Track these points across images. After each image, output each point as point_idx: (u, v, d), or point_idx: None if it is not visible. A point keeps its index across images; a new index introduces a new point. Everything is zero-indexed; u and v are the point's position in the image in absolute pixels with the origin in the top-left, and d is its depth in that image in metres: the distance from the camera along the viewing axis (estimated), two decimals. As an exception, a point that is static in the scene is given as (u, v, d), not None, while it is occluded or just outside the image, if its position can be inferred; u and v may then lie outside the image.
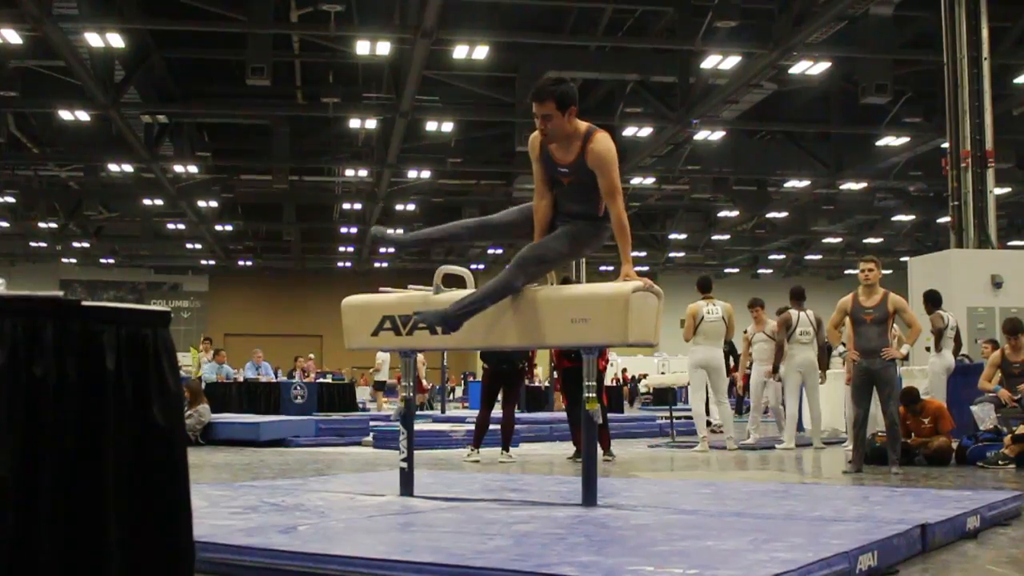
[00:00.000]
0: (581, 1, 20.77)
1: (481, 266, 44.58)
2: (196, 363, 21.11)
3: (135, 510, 2.47)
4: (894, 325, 10.07)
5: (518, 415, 13.50)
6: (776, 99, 25.37)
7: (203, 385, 17.21)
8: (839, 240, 44.30)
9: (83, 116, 24.71)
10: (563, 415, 13.21)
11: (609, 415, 12.44)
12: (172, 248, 46.79)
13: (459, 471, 9.32)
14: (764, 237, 43.61)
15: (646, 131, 25.82)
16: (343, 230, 41.88)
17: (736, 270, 51.23)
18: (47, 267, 48.52)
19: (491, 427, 11.40)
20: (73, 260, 49.07)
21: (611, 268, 48.18)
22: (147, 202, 35.96)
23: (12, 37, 19.27)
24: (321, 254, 48.58)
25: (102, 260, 48.96)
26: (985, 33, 16.27)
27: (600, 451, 10.26)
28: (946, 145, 17.01)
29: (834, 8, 17.64)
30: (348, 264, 49.75)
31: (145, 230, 41.20)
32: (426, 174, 31.17)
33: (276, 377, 22.70)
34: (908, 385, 11.52)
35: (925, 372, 13.25)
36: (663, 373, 33.53)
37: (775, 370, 13.23)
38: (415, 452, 6.38)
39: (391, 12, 20.18)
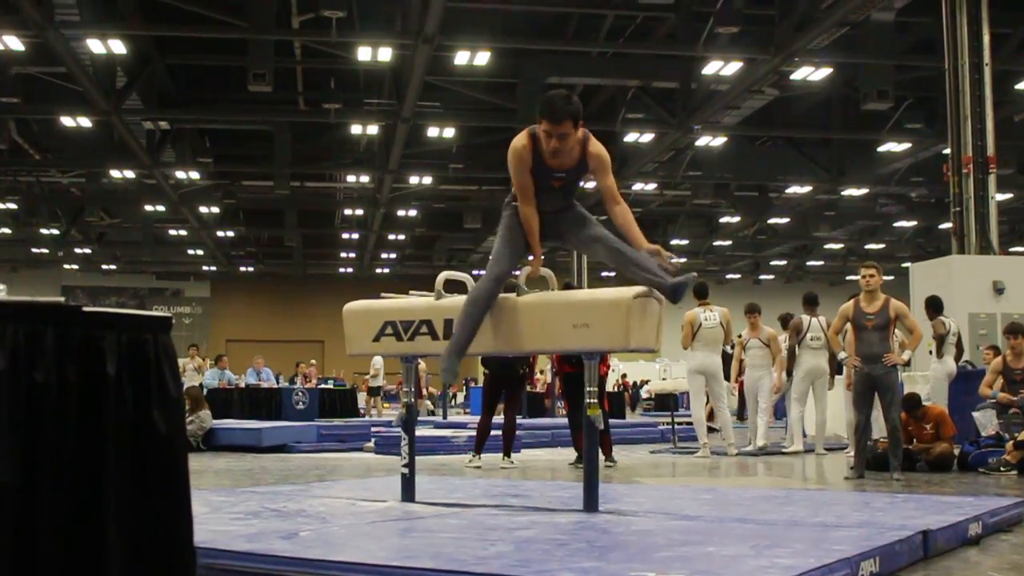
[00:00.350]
0: (583, 7, 20.79)
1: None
2: (197, 369, 21.08)
3: (136, 516, 2.46)
4: (895, 331, 10.06)
5: (519, 421, 13.49)
6: (777, 105, 25.38)
7: (204, 391, 17.21)
8: (840, 246, 44.29)
9: (85, 122, 24.74)
10: (564, 421, 13.21)
11: (611, 421, 12.43)
12: (174, 254, 46.82)
13: (460, 477, 9.31)
14: (765, 243, 43.60)
15: (647, 137, 25.83)
16: (345, 236, 41.92)
17: (738, 276, 51.25)
18: (49, 273, 48.54)
19: (492, 433, 11.39)
20: (75, 266, 49.12)
21: (613, 273, 48.24)
22: (149, 208, 35.96)
23: (14, 43, 19.29)
24: (323, 260, 48.60)
25: (104, 266, 49.00)
26: (986, 39, 16.26)
27: (601, 457, 10.25)
28: (947, 151, 17.00)
29: (835, 14, 17.65)
30: (350, 270, 49.78)
31: (147, 236, 41.23)
32: (427, 180, 31.20)
33: (278, 383, 22.70)
34: (909, 391, 11.51)
35: (927, 378, 13.23)
36: (665, 379, 33.54)
37: (788, 374, 13.24)
38: (416, 458, 6.38)
39: (392, 18, 20.22)
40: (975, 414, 11.30)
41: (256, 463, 11.73)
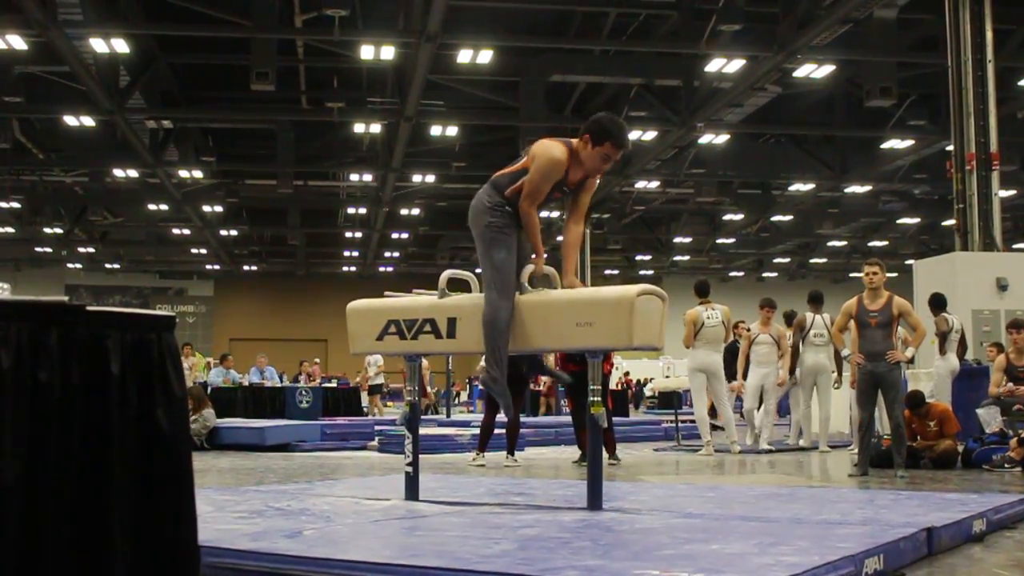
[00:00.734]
0: (585, 5, 20.77)
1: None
2: (202, 368, 21.08)
3: (140, 514, 2.47)
4: (899, 328, 10.05)
5: (523, 419, 13.49)
6: (780, 102, 25.37)
7: (208, 390, 17.21)
8: (844, 243, 44.27)
9: (88, 121, 24.75)
10: (568, 419, 13.20)
11: (614, 419, 12.42)
12: (177, 253, 46.85)
13: (464, 475, 9.31)
14: (769, 240, 43.57)
15: (650, 135, 25.80)
16: (348, 235, 41.92)
17: (741, 273, 51.23)
18: (52, 272, 48.58)
19: (496, 431, 11.39)
20: (78, 265, 49.15)
21: (616, 272, 48.26)
22: (152, 207, 35.98)
23: (17, 43, 19.29)
24: (326, 259, 48.62)
25: (107, 265, 49.04)
26: (989, 35, 16.23)
27: (605, 455, 10.24)
28: (951, 148, 16.98)
29: (838, 11, 17.63)
30: (353, 269, 49.78)
31: (150, 235, 41.31)
32: (431, 178, 31.20)
33: (281, 382, 22.70)
34: (913, 388, 11.50)
35: (930, 375, 13.23)
36: (668, 377, 33.52)
37: (791, 372, 13.24)
38: (420, 456, 6.38)
39: (395, 17, 20.20)
40: (979, 411, 11.30)
41: (260, 462, 11.74)
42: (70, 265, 48.85)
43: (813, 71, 21.35)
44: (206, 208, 35.70)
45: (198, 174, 30.57)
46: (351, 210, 37.77)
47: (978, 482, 8.90)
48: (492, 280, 5.81)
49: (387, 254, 46.46)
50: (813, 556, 3.89)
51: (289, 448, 13.84)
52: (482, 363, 5.97)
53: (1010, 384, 11.00)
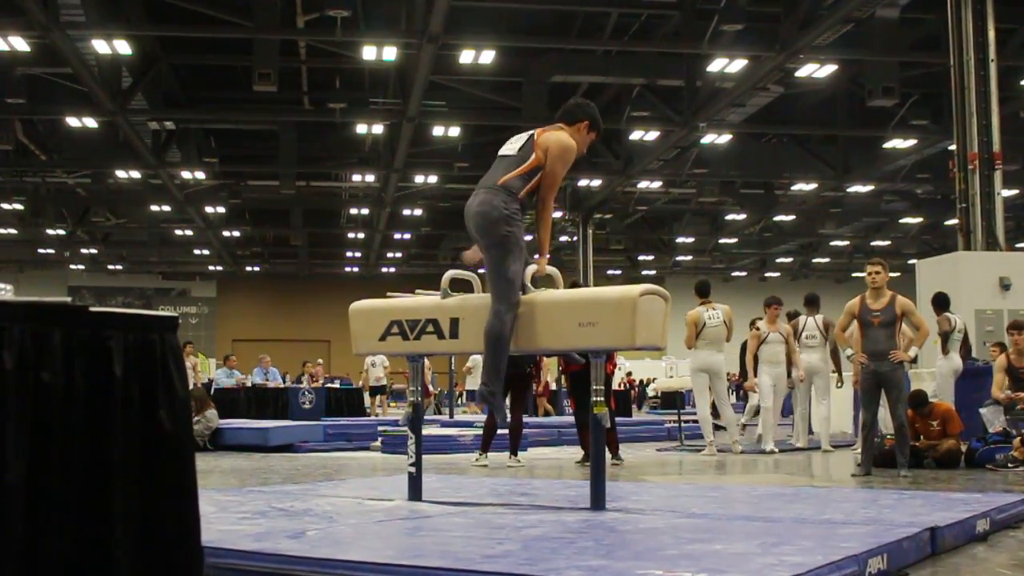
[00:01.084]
0: (587, 5, 20.77)
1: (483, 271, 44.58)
2: (205, 369, 21.10)
3: (143, 515, 2.47)
4: (902, 327, 10.05)
5: (526, 419, 13.48)
6: (783, 102, 25.34)
7: (212, 391, 17.23)
8: (846, 243, 44.27)
9: (90, 123, 24.77)
10: (571, 419, 13.20)
11: (617, 419, 12.41)
12: (180, 254, 46.89)
13: (467, 475, 9.31)
14: (771, 240, 43.59)
15: (653, 135, 25.83)
16: (350, 235, 41.94)
17: (744, 273, 51.23)
18: (55, 273, 48.62)
19: (499, 431, 11.39)
20: (81, 266, 49.20)
21: (618, 272, 48.25)
22: (155, 208, 36.02)
23: (20, 44, 19.29)
24: (328, 259, 48.64)
25: (110, 266, 49.08)
26: (992, 35, 16.23)
27: (608, 455, 10.24)
28: (953, 147, 16.97)
29: (840, 11, 17.62)
30: (355, 269, 49.81)
31: (153, 236, 41.32)
32: (433, 179, 31.22)
33: (284, 383, 22.71)
34: (916, 388, 11.49)
35: (933, 374, 13.21)
36: (671, 377, 33.51)
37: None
38: (423, 457, 6.38)
39: (397, 17, 20.21)
40: (982, 410, 11.28)
41: (263, 462, 11.74)
42: (73, 266, 48.89)
43: (815, 71, 21.35)
44: (208, 209, 35.71)
45: (200, 175, 30.59)
46: (353, 211, 37.80)
47: (981, 482, 8.89)
48: (504, 293, 5.76)
49: (389, 255, 46.48)
50: (816, 556, 3.88)
51: (292, 449, 13.84)
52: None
53: (1008, 391, 10.99)
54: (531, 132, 6.08)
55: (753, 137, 29.45)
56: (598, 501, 5.65)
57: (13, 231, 39.70)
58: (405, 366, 6.82)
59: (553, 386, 23.96)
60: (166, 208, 35.60)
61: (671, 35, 21.57)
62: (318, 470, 10.60)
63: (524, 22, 21.78)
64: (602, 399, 5.69)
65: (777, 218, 38.65)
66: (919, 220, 38.47)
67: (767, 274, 50.99)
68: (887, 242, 42.59)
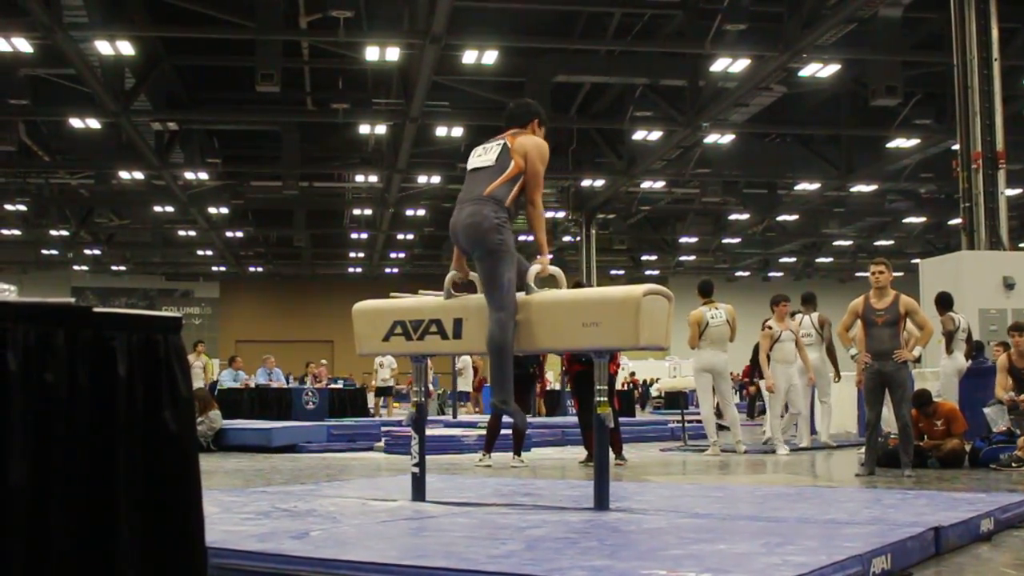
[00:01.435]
0: (590, 5, 20.77)
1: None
2: (209, 369, 21.11)
3: (147, 516, 2.47)
4: (905, 327, 10.04)
5: (529, 419, 13.48)
6: (786, 102, 25.34)
7: (216, 391, 17.22)
8: (850, 243, 44.24)
9: (94, 124, 24.78)
10: (575, 419, 13.20)
11: (621, 419, 12.41)
12: (183, 255, 46.93)
13: (471, 476, 9.31)
14: (774, 240, 43.56)
15: (656, 135, 25.83)
16: (353, 236, 41.96)
17: (747, 273, 51.21)
18: (59, 274, 48.65)
19: (502, 432, 11.39)
20: (84, 267, 49.23)
21: (622, 272, 48.24)
22: (158, 209, 36.05)
23: (23, 46, 19.31)
24: (331, 260, 48.66)
25: (113, 267, 49.11)
26: (995, 34, 16.21)
27: (612, 455, 10.24)
28: (956, 147, 16.96)
29: (843, 10, 17.62)
30: (359, 269, 49.82)
31: (156, 237, 41.34)
32: (436, 179, 31.22)
33: (287, 383, 22.71)
34: (920, 387, 11.48)
35: (937, 374, 13.21)
36: (674, 377, 33.49)
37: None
38: (427, 457, 6.38)
39: (400, 18, 20.22)
40: (986, 410, 11.27)
41: (266, 463, 11.75)
42: (76, 267, 48.93)
43: (818, 70, 21.35)
44: (212, 210, 35.73)
45: (203, 176, 30.63)
46: (357, 211, 37.81)
47: (985, 481, 8.88)
48: (502, 301, 5.79)
49: (393, 255, 46.51)
50: (820, 556, 3.88)
51: (295, 449, 13.85)
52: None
53: (1011, 393, 10.98)
54: (500, 142, 6.11)
55: (756, 137, 29.44)
56: (602, 501, 5.65)
57: (17, 232, 39.74)
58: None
59: (557, 386, 24.00)
60: (169, 209, 35.63)
61: (674, 35, 21.56)
62: (321, 471, 10.61)
63: (527, 22, 21.79)
64: (605, 399, 5.69)
65: (780, 218, 38.63)
66: (922, 220, 38.45)
67: (770, 274, 50.98)
68: (891, 242, 42.56)
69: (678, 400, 22.97)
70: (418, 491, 6.22)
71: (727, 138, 27.00)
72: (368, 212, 37.42)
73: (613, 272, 47.93)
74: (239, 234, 41.42)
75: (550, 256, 6.11)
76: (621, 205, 36.53)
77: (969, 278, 15.59)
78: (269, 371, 21.20)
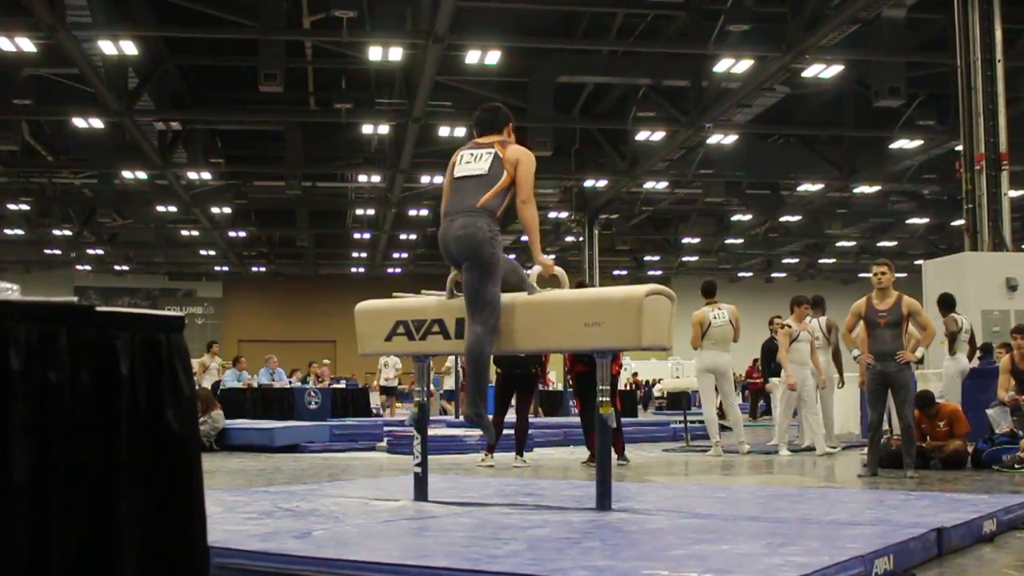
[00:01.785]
0: (593, 6, 20.78)
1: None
2: (202, 370, 21.11)
3: (149, 515, 2.47)
4: (909, 328, 10.03)
5: (532, 419, 13.49)
6: (789, 102, 25.34)
7: (219, 391, 17.22)
8: (853, 244, 44.22)
9: (97, 123, 24.79)
10: (577, 419, 13.19)
11: (623, 419, 12.41)
12: (186, 255, 46.95)
13: (473, 476, 9.31)
14: (777, 241, 43.54)
15: (659, 135, 25.81)
16: (356, 236, 41.97)
17: (750, 274, 51.19)
18: (62, 274, 48.67)
19: (505, 432, 11.39)
20: (87, 267, 49.26)
21: (624, 272, 48.24)
22: (161, 209, 36.07)
23: (26, 45, 19.32)
24: (334, 260, 48.68)
25: (116, 267, 49.13)
26: (999, 35, 16.20)
27: (614, 455, 10.24)
28: (960, 148, 16.95)
29: (847, 11, 17.61)
30: (361, 269, 49.83)
31: (159, 237, 41.35)
32: (439, 179, 31.16)
33: (290, 383, 22.72)
34: (923, 388, 11.48)
35: (939, 375, 13.20)
36: (677, 377, 33.51)
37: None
38: (429, 457, 6.38)
39: (403, 18, 20.23)
40: (989, 411, 11.27)
41: (269, 463, 11.75)
42: (79, 267, 48.95)
43: (822, 71, 21.32)
44: (215, 209, 35.76)
45: (207, 176, 30.64)
46: (359, 211, 37.82)
47: (988, 482, 8.87)
48: (483, 314, 5.84)
49: (395, 255, 46.51)
50: (823, 556, 3.88)
51: (298, 449, 13.85)
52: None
53: (1013, 394, 10.98)
54: (491, 151, 6.07)
55: (759, 137, 29.43)
56: (604, 501, 5.65)
57: (20, 231, 39.76)
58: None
59: (559, 386, 24.00)
60: (172, 209, 35.65)
61: (677, 35, 21.57)
62: (324, 470, 10.61)
63: (530, 22, 21.79)
64: (608, 399, 5.69)
65: (783, 218, 38.61)
66: (925, 221, 38.42)
67: (773, 275, 50.97)
68: (893, 243, 42.54)
69: (680, 400, 22.98)
70: (420, 491, 6.22)
71: (730, 139, 26.99)
72: (371, 212, 37.43)
73: (616, 272, 47.92)
74: (242, 234, 41.44)
75: (552, 257, 6.11)
76: (624, 205, 36.52)
77: (972, 279, 15.58)
78: (272, 371, 21.21)
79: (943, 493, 7.34)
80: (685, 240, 42.68)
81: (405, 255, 46.62)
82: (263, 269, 50.66)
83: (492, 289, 5.84)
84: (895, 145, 27.22)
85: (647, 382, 39.74)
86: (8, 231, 39.92)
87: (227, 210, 36.32)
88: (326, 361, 29.58)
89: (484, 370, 5.91)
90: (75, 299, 2.48)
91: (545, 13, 21.67)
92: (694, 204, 37.13)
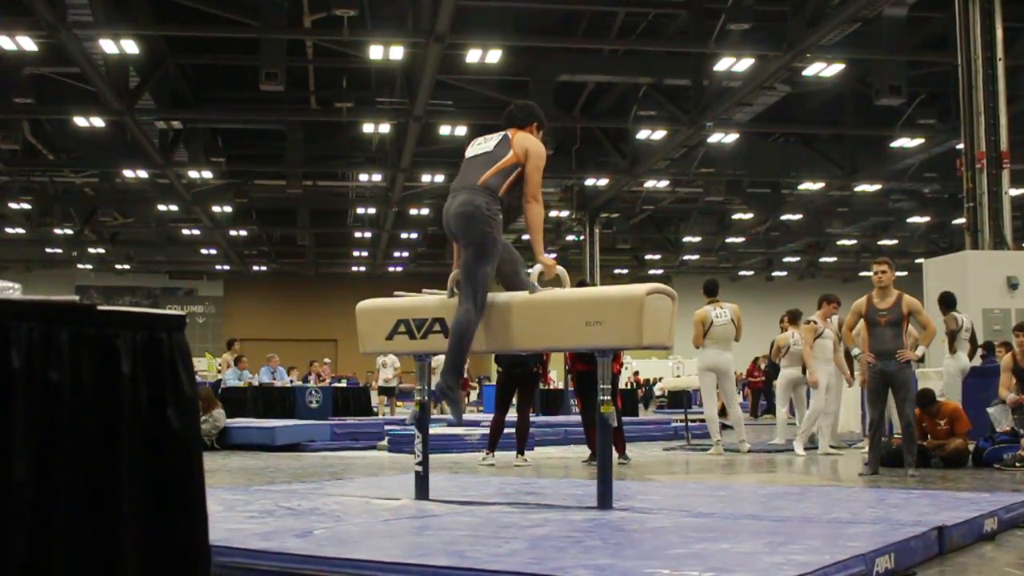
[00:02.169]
0: (594, 4, 20.77)
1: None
2: (213, 369, 21.12)
3: (151, 514, 2.47)
4: (909, 327, 10.03)
5: (533, 418, 13.49)
6: (790, 101, 25.32)
7: (220, 390, 17.23)
8: (854, 242, 44.20)
9: (98, 122, 24.78)
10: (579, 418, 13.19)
11: (624, 418, 12.41)
12: (187, 253, 46.95)
13: (474, 475, 9.31)
14: (778, 239, 43.53)
15: (660, 134, 25.80)
16: (357, 235, 41.97)
17: (750, 273, 51.17)
18: (63, 273, 48.67)
19: (506, 431, 11.39)
20: (89, 266, 49.26)
21: (625, 271, 48.23)
22: (162, 208, 36.06)
23: (27, 44, 19.32)
24: (335, 259, 48.67)
25: (117, 266, 49.13)
26: (999, 33, 16.19)
27: (615, 454, 10.24)
28: (961, 146, 16.95)
29: (848, 10, 17.60)
30: (362, 268, 49.83)
31: (160, 236, 41.36)
32: (440, 178, 31.16)
33: (291, 382, 22.72)
34: (923, 387, 11.48)
35: (940, 374, 13.19)
36: (678, 376, 33.50)
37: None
38: (430, 456, 6.38)
39: (404, 17, 20.21)
40: (990, 410, 11.27)
41: (270, 462, 11.75)
42: (80, 266, 48.95)
43: (822, 70, 21.31)
44: (216, 208, 35.76)
45: (208, 174, 30.63)
46: (360, 210, 37.81)
47: (989, 481, 8.88)
48: (474, 293, 5.85)
49: (396, 254, 46.52)
50: (824, 555, 3.88)
51: (299, 448, 13.86)
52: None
53: (1015, 392, 10.98)
54: (503, 133, 6.12)
55: (760, 136, 29.40)
56: (605, 500, 5.65)
57: (21, 230, 39.75)
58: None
59: (560, 385, 23.98)
60: (173, 208, 35.66)
61: (678, 34, 21.56)
62: (325, 469, 10.61)
63: (531, 21, 21.78)
64: (609, 398, 5.69)
65: (784, 217, 38.58)
66: (926, 219, 38.39)
67: (774, 273, 50.96)
68: (894, 241, 42.51)
69: (681, 399, 22.97)
70: (421, 490, 6.22)
71: (731, 137, 26.96)
72: (372, 211, 37.43)
73: (617, 271, 47.89)
74: (243, 233, 41.42)
75: (553, 256, 6.11)
76: (625, 204, 36.51)
77: (973, 278, 15.58)
78: (272, 370, 21.21)
79: (944, 492, 7.34)
80: (686, 239, 42.67)
81: (406, 254, 46.62)
82: (264, 268, 50.66)
83: (485, 269, 5.86)
84: (896, 144, 27.21)
85: (648, 381, 39.74)
86: (9, 230, 39.92)
87: (228, 209, 36.32)
88: (327, 360, 29.59)
89: (465, 345, 5.88)
90: (76, 298, 2.48)
91: (546, 12, 21.66)
92: (695, 203, 37.11)
